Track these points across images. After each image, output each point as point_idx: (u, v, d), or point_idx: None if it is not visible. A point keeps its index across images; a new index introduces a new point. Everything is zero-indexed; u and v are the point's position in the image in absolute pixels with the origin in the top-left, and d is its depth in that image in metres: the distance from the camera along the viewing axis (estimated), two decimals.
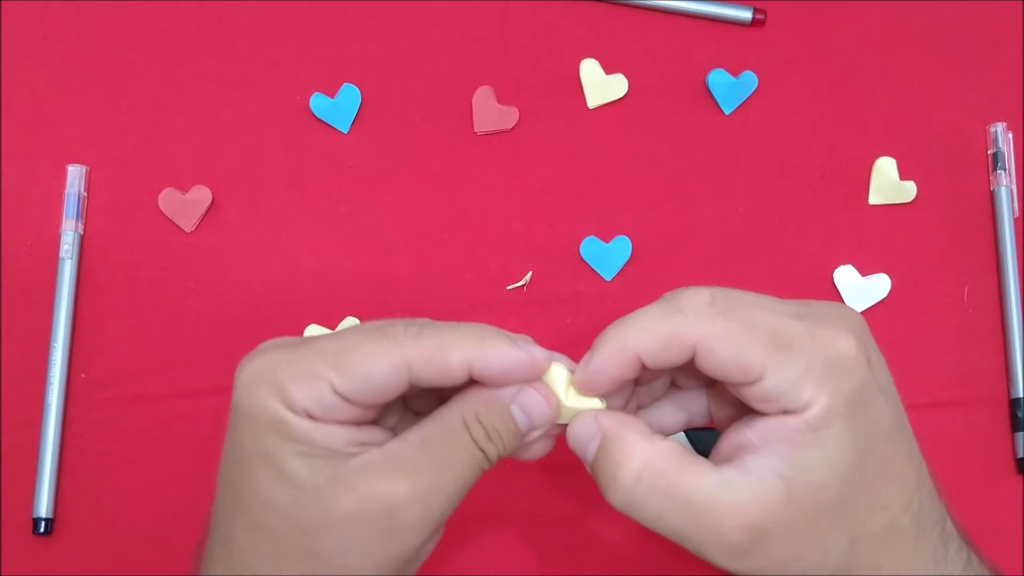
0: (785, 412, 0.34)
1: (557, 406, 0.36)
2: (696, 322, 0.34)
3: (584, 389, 0.36)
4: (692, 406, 0.40)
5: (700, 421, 0.40)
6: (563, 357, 0.37)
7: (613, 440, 0.35)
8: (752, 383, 0.34)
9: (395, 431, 0.37)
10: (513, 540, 0.53)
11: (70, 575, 0.53)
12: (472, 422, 0.35)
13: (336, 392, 0.34)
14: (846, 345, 0.34)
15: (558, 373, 0.36)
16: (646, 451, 0.34)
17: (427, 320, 0.37)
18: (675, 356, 0.34)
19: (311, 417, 0.34)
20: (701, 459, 0.35)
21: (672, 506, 0.34)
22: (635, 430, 0.35)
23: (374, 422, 0.37)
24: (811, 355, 0.33)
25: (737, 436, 0.35)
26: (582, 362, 0.36)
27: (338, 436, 0.34)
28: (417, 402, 0.39)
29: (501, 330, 0.36)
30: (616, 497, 0.34)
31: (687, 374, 0.39)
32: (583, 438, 0.36)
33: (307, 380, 0.34)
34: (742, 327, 0.34)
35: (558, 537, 0.53)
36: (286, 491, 0.34)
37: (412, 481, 0.34)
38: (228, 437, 0.36)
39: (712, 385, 0.39)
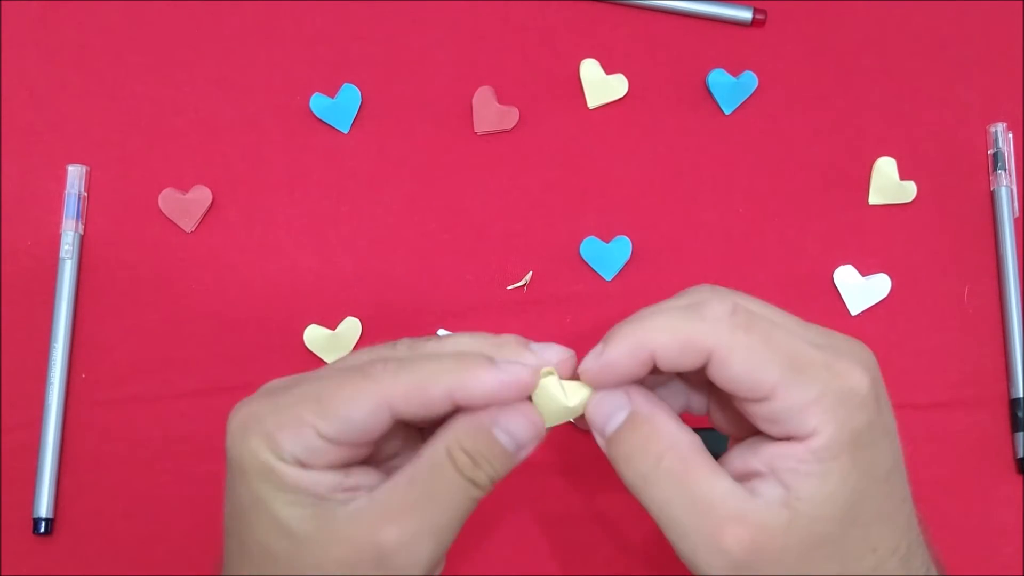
0: (789, 438, 0.34)
1: (541, 423, 0.36)
2: (715, 331, 0.34)
3: (592, 382, 0.36)
4: (694, 399, 0.40)
5: (699, 412, 0.40)
6: (553, 347, 0.37)
7: (644, 416, 0.35)
8: (760, 401, 0.34)
9: (399, 455, 0.38)
10: (512, 540, 0.53)
11: (70, 575, 0.53)
12: (456, 452, 0.35)
13: (321, 436, 0.34)
14: (860, 381, 0.34)
15: (550, 383, 0.36)
16: (675, 435, 0.35)
17: (411, 344, 0.36)
18: (689, 361, 0.34)
19: (301, 463, 0.34)
20: (718, 464, 0.35)
21: (681, 494, 0.34)
22: (666, 411, 0.36)
23: (370, 458, 0.37)
24: (824, 384, 0.33)
25: (743, 463, 0.35)
26: (593, 352, 0.36)
27: (326, 481, 0.34)
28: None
29: (490, 343, 0.36)
30: (634, 472, 0.35)
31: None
32: (608, 409, 0.35)
33: (293, 427, 0.34)
34: (761, 344, 0.34)
35: (558, 537, 0.53)
36: (281, 541, 0.34)
37: (399, 525, 0.34)
38: (227, 487, 0.36)
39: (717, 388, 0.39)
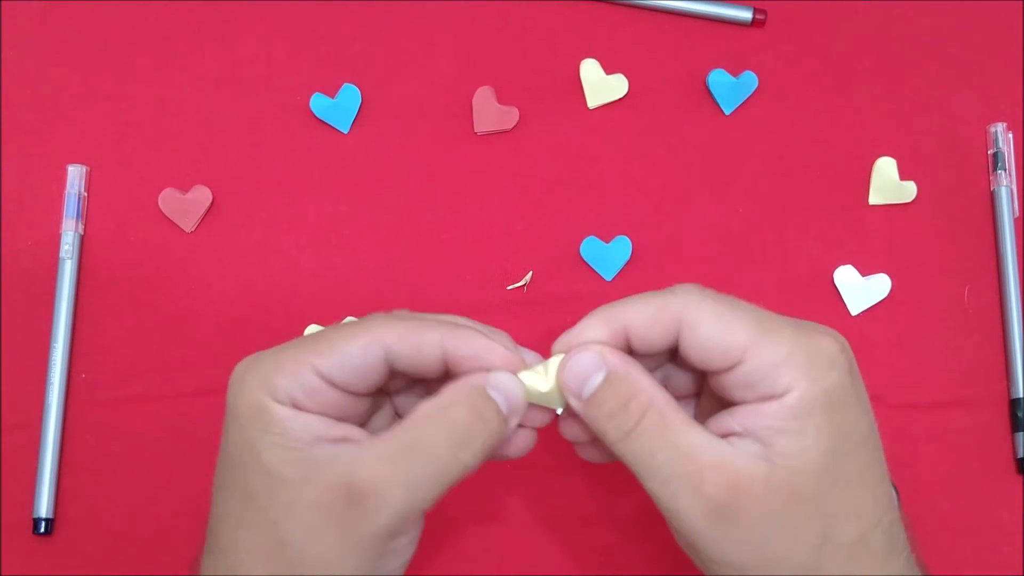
0: (764, 399, 0.34)
1: (524, 390, 0.37)
2: (685, 301, 0.35)
3: (565, 349, 0.37)
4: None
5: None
6: (533, 354, 0.38)
7: (622, 375, 0.36)
8: (733, 368, 0.35)
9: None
10: (510, 541, 0.53)
11: (70, 575, 0.53)
12: (448, 407, 0.36)
13: (318, 373, 0.35)
14: (829, 344, 0.35)
15: (531, 373, 0.37)
16: (652, 390, 0.36)
17: (409, 311, 0.38)
18: (661, 332, 0.36)
19: (295, 405, 0.35)
20: (695, 420, 0.36)
21: (663, 446, 0.35)
22: (640, 368, 0.36)
23: (363, 425, 0.38)
24: (793, 343, 0.34)
25: (718, 425, 0.36)
26: (569, 330, 0.37)
27: (315, 426, 0.35)
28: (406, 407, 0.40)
29: (477, 323, 0.38)
30: (616, 428, 0.35)
31: (677, 381, 0.40)
32: (586, 371, 0.36)
33: (291, 367, 0.35)
34: (728, 309, 0.35)
35: (559, 537, 0.53)
36: (261, 482, 0.34)
37: (372, 471, 0.34)
38: (220, 446, 0.37)
39: (700, 394, 0.40)
